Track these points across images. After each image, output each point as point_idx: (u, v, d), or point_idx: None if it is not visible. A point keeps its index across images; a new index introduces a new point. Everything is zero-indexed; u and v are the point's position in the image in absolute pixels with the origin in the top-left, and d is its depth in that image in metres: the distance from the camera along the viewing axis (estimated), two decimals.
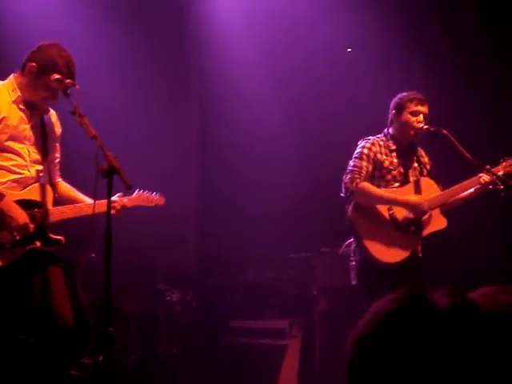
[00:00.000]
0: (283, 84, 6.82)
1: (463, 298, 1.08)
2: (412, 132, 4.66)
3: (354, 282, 4.72)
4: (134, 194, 4.24)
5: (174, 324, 6.02)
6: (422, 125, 4.62)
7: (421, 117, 4.64)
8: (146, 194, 4.35)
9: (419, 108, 4.64)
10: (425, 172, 4.79)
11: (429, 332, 1.03)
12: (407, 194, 4.66)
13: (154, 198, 4.40)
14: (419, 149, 4.85)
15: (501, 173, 4.54)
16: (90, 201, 3.81)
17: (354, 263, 4.70)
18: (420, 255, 4.68)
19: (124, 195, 4.06)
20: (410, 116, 4.64)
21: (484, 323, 1.05)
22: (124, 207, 4.06)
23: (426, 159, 4.85)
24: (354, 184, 4.53)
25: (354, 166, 4.61)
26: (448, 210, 4.74)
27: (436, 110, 4.74)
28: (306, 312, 5.94)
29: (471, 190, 4.66)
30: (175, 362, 5.96)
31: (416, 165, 4.78)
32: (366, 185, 4.57)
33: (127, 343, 5.76)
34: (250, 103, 6.88)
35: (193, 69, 7.15)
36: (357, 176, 4.56)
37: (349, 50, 6.93)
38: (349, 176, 4.57)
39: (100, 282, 3.26)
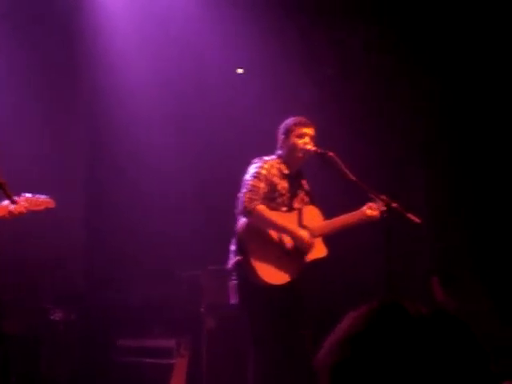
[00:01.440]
0: (174, 96, 6.81)
1: (438, 307, 1.19)
2: (300, 154, 4.76)
3: (233, 301, 4.74)
4: (21, 198, 4.09)
5: (58, 344, 5.85)
6: (309, 146, 4.73)
7: (307, 139, 4.74)
8: (34, 197, 4.21)
9: (305, 130, 4.75)
10: (306, 200, 4.90)
11: (410, 338, 1.12)
12: (293, 220, 4.75)
13: (43, 200, 4.25)
14: (305, 178, 4.96)
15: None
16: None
17: (234, 282, 4.72)
18: (300, 281, 4.76)
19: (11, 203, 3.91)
20: (296, 139, 4.74)
21: (458, 329, 1.15)
22: (18, 214, 3.93)
23: (307, 187, 4.97)
24: (253, 205, 4.54)
25: (252, 185, 4.62)
26: (330, 235, 4.88)
27: (323, 134, 4.86)
28: (194, 330, 5.92)
29: (355, 221, 4.82)
30: (59, 383, 5.79)
31: (301, 192, 4.89)
32: (264, 208, 4.59)
33: (6, 364, 5.54)
34: (141, 112, 6.81)
35: (82, 73, 6.98)
36: (255, 197, 4.58)
37: (239, 70, 7.02)
38: (248, 195, 4.57)
39: None
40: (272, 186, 4.69)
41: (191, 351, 5.92)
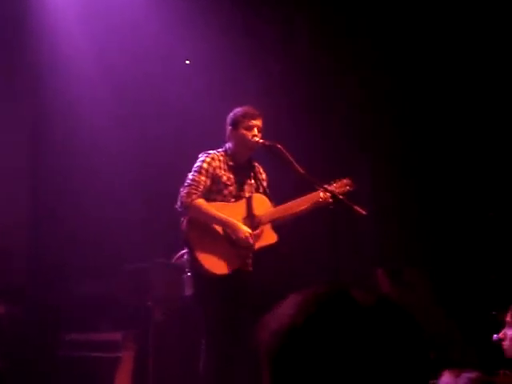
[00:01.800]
0: (122, 89, 6.76)
1: (382, 296, 1.17)
2: (249, 146, 4.77)
3: (187, 293, 4.77)
4: None
5: (1, 338, 5.74)
6: (257, 139, 4.73)
7: (255, 130, 4.74)
8: None
9: (253, 122, 4.74)
10: (261, 189, 4.90)
11: (356, 326, 1.11)
12: (240, 209, 4.75)
13: None
14: (257, 165, 4.95)
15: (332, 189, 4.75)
16: None
17: (188, 274, 4.75)
18: (250, 269, 4.79)
19: None
20: (244, 131, 4.74)
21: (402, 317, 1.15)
22: None
23: (263, 176, 4.96)
24: (190, 200, 4.58)
25: (193, 180, 4.65)
26: (280, 225, 4.89)
27: (269, 130, 4.86)
28: (141, 323, 5.89)
29: (304, 206, 4.82)
30: (2, 378, 5.68)
31: (252, 181, 4.88)
32: (201, 202, 4.62)
33: None
34: (88, 97, 6.72)
35: (27, 64, 6.85)
36: (194, 191, 4.61)
37: (187, 62, 6.99)
38: (186, 190, 4.61)
39: None
40: (216, 179, 4.70)
41: (138, 344, 5.88)
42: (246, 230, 4.65)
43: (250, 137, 4.72)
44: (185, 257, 4.80)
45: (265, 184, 4.95)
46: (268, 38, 6.90)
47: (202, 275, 4.63)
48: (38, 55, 6.76)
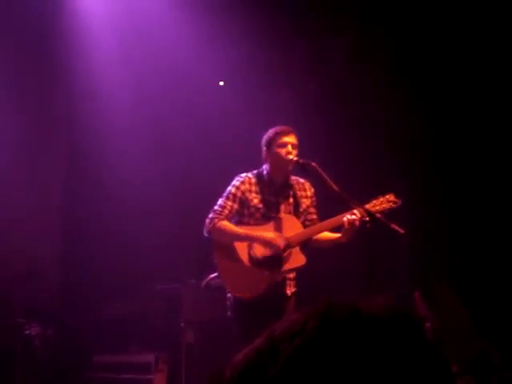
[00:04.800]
0: (153, 106, 6.78)
1: (398, 310, 0.97)
2: (283, 164, 4.66)
3: (229, 313, 4.70)
4: None
5: (33, 359, 5.69)
6: (291, 156, 4.62)
7: (289, 147, 4.62)
8: None
9: (286, 139, 4.63)
10: (301, 207, 4.75)
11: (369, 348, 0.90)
12: (267, 230, 4.63)
13: None
14: (302, 182, 4.80)
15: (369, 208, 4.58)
16: None
17: (229, 295, 4.66)
18: (288, 293, 4.66)
19: None
20: (278, 149, 4.64)
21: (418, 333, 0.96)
22: None
23: (308, 193, 4.80)
24: (212, 224, 4.56)
25: (219, 205, 4.63)
26: (316, 248, 4.77)
27: (304, 149, 4.76)
28: (173, 345, 5.81)
29: (338, 234, 4.64)
30: None
31: (291, 200, 4.76)
32: (224, 223, 4.58)
33: None
34: (120, 126, 6.73)
35: (60, 82, 6.89)
36: (216, 216, 4.58)
37: (221, 83, 6.97)
38: (210, 216, 4.61)
39: None
40: (245, 202, 4.63)
41: (170, 366, 5.80)
42: (270, 235, 4.57)
43: (283, 154, 4.62)
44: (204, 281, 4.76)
45: (308, 202, 4.80)
46: (306, 58, 6.88)
47: (235, 297, 4.57)
48: (74, 72, 6.82)
